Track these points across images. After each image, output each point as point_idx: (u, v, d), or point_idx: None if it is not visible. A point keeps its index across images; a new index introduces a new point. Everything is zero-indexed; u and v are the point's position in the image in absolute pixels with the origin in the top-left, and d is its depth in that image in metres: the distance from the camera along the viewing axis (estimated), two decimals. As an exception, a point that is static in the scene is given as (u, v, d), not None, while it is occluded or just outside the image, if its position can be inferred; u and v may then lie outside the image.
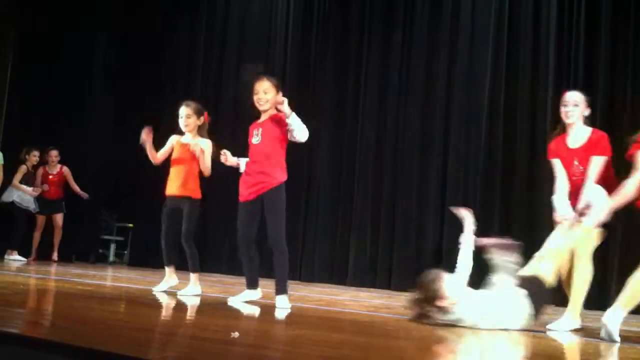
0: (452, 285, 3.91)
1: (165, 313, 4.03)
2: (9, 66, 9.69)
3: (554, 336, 3.97)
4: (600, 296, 5.82)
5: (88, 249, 9.78)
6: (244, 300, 4.54)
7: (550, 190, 7.18)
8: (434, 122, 8.07)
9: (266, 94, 4.48)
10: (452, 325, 3.84)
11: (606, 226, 4.21)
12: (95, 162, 9.94)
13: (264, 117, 4.56)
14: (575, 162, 4.45)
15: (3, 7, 9.73)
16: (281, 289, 4.40)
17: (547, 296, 4.04)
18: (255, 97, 4.51)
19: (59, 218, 9.11)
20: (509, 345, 3.51)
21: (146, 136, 5.05)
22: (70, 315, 3.41)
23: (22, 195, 8.82)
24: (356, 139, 8.54)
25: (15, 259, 8.53)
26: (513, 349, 3.44)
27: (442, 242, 7.78)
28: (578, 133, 4.51)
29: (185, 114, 5.06)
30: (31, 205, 8.88)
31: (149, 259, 8.68)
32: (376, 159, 8.37)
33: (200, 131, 5.08)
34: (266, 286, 4.71)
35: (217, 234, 8.99)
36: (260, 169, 4.46)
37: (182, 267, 5.12)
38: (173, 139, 5.18)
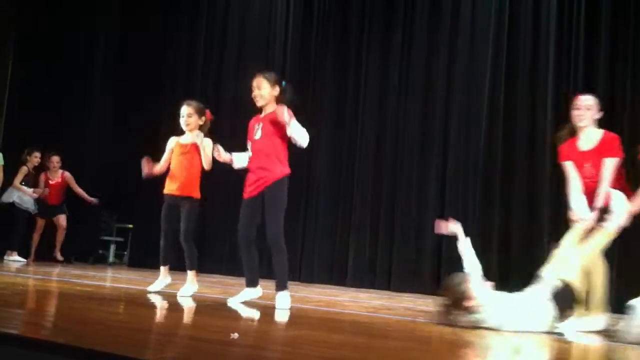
0: (478, 286, 3.94)
1: (165, 314, 4.03)
2: (9, 66, 9.69)
3: (576, 338, 3.98)
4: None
5: (88, 250, 9.77)
6: (245, 299, 4.53)
7: (549, 190, 7.25)
8: (434, 122, 8.07)
9: (260, 90, 4.53)
10: (477, 327, 3.84)
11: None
12: (95, 162, 9.94)
13: (264, 113, 4.59)
14: (587, 165, 4.49)
15: (3, 6, 9.72)
16: (281, 286, 4.40)
17: (572, 298, 4.07)
18: (252, 95, 4.57)
19: (62, 219, 9.09)
20: (518, 347, 3.51)
21: (147, 168, 5.03)
22: (69, 316, 3.41)
23: (22, 196, 8.81)
24: (356, 139, 8.53)
25: (15, 259, 8.52)
26: (524, 351, 3.44)
27: (441, 242, 7.77)
28: (589, 135, 4.54)
29: (187, 113, 5.05)
30: (31, 207, 8.87)
31: (148, 259, 8.64)
32: (376, 159, 8.37)
33: (201, 130, 5.07)
34: (266, 287, 4.70)
35: (217, 234, 8.98)
36: (260, 164, 4.49)
37: (179, 267, 5.11)
38: (172, 142, 5.16)
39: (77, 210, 9.31)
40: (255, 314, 4.11)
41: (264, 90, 4.53)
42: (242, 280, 4.64)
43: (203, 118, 5.08)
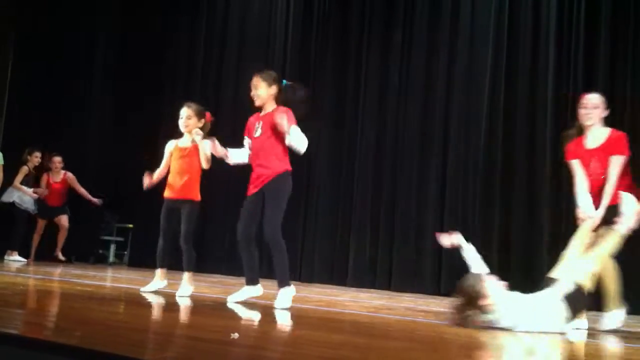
0: (493, 286, 3.95)
1: (165, 314, 4.03)
2: (9, 66, 9.69)
3: (588, 339, 3.99)
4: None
5: (88, 250, 9.77)
6: (244, 297, 4.53)
7: (549, 190, 7.25)
8: (434, 122, 8.07)
9: (257, 90, 4.56)
10: (490, 327, 3.85)
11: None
12: (95, 162, 9.94)
13: (264, 111, 4.60)
14: (594, 162, 4.52)
15: (3, 6, 9.72)
16: (281, 283, 4.39)
17: (585, 300, 4.10)
18: (251, 94, 4.60)
19: (64, 219, 9.08)
20: (526, 347, 3.51)
21: (148, 180, 5.02)
22: (69, 316, 3.41)
23: (22, 196, 8.80)
24: (356, 139, 8.53)
25: (15, 259, 8.52)
26: (528, 352, 3.44)
27: (442, 242, 7.78)
28: (597, 134, 4.58)
29: (186, 115, 5.04)
30: (30, 207, 8.85)
31: (148, 259, 8.62)
32: (376, 159, 8.37)
33: (200, 132, 5.04)
34: (266, 287, 4.70)
35: (216, 234, 8.98)
36: (260, 162, 4.51)
37: (178, 267, 5.10)
38: (170, 146, 5.13)
39: (78, 210, 9.30)
40: (255, 314, 4.10)
41: (260, 90, 4.55)
42: (243, 280, 4.64)
43: (202, 120, 5.05)
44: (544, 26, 7.56)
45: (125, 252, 10.24)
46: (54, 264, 8.53)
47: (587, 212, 4.43)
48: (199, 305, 4.46)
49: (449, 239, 4.38)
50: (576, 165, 4.61)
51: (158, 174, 5.10)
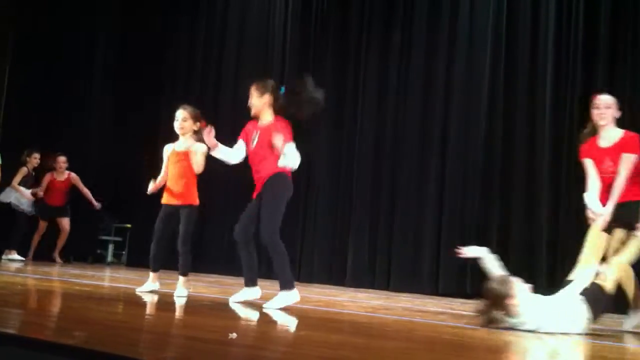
0: (519, 287, 3.99)
1: (163, 314, 4.03)
2: (8, 66, 9.68)
3: (610, 340, 4.02)
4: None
5: (86, 250, 9.76)
6: (243, 299, 4.52)
7: (548, 190, 7.26)
8: (433, 122, 8.08)
9: (251, 99, 4.57)
10: (515, 329, 3.88)
11: None
12: (95, 162, 9.93)
13: (261, 120, 4.59)
14: (607, 161, 4.57)
15: (3, 7, 9.72)
16: (282, 285, 4.37)
17: (606, 303, 4.15)
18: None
19: (65, 222, 9.05)
20: (524, 348, 3.51)
21: (153, 188, 4.99)
22: (68, 316, 3.41)
23: (20, 197, 8.76)
24: (355, 139, 8.54)
25: (13, 258, 8.51)
26: (536, 352, 3.45)
27: (440, 242, 7.79)
28: (610, 134, 4.63)
29: (182, 117, 5.00)
30: (27, 208, 8.81)
31: (146, 259, 8.62)
32: (375, 159, 8.37)
33: (194, 136, 5.03)
34: (265, 287, 4.70)
35: (215, 234, 8.98)
36: (257, 168, 4.52)
37: (173, 267, 5.09)
38: (167, 150, 5.09)
39: (77, 210, 9.29)
40: (254, 314, 4.11)
41: (254, 99, 4.55)
42: (241, 280, 4.63)
43: (198, 124, 5.02)
44: (543, 27, 7.57)
45: (123, 252, 10.23)
46: (52, 264, 8.53)
47: (596, 210, 4.46)
48: (197, 305, 4.46)
49: (472, 251, 4.40)
50: (589, 165, 4.65)
51: (160, 179, 5.06)
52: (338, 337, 3.36)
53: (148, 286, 4.96)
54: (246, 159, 4.63)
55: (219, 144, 4.58)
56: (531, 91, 7.55)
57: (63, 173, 9.12)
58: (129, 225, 9.99)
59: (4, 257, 8.51)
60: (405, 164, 8.15)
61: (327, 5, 9.00)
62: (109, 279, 6.92)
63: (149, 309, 4.17)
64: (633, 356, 3.72)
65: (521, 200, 7.44)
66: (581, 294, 4.05)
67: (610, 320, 4.83)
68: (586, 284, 4.10)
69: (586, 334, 3.97)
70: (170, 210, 4.94)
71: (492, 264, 4.23)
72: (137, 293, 4.87)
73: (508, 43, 7.74)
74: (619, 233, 4.46)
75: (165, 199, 4.99)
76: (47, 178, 9.05)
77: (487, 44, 7.82)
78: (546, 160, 7.35)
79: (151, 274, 4.98)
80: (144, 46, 10.14)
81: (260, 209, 4.42)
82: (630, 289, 4.52)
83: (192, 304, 4.44)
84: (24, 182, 8.84)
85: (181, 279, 4.87)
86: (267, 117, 4.56)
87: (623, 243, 4.36)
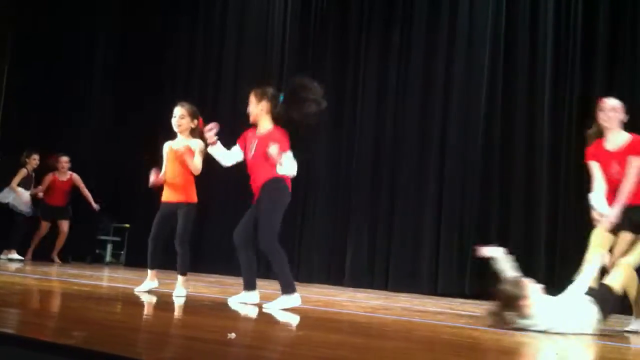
0: (532, 288, 4.01)
1: (162, 314, 4.03)
2: (7, 66, 9.68)
3: (620, 341, 4.03)
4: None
5: (85, 250, 9.76)
6: (242, 301, 4.52)
7: (547, 190, 7.26)
8: (432, 122, 8.09)
9: (249, 106, 4.57)
10: (527, 330, 3.90)
11: None
12: (94, 162, 9.92)
13: (259, 129, 4.58)
14: (614, 164, 4.61)
15: (3, 7, 9.72)
16: (284, 290, 4.36)
17: (614, 303, 4.19)
18: None
19: (64, 224, 9.04)
20: (523, 348, 3.52)
21: (155, 178, 4.98)
22: (67, 316, 3.41)
23: (17, 198, 8.73)
24: (354, 139, 8.54)
25: (13, 257, 8.50)
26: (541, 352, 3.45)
27: (439, 243, 7.79)
28: (617, 137, 4.67)
29: (179, 115, 4.99)
30: (26, 210, 8.80)
31: (145, 259, 8.63)
32: (374, 159, 8.38)
33: (192, 133, 5.02)
34: (263, 286, 4.71)
35: (215, 234, 8.97)
36: (254, 176, 4.52)
37: (172, 267, 5.09)
38: (165, 148, 5.08)
39: (77, 211, 9.29)
40: (253, 314, 4.11)
41: (251, 106, 4.56)
42: (241, 280, 4.63)
43: (195, 121, 5.02)
44: (542, 27, 7.58)
45: (122, 252, 10.23)
46: (50, 264, 8.53)
47: (602, 211, 4.49)
48: (196, 305, 4.46)
49: (489, 252, 4.41)
50: (594, 167, 4.69)
51: (161, 175, 5.06)
52: (337, 337, 3.36)
53: (146, 285, 4.95)
54: (245, 166, 4.62)
55: (218, 142, 4.58)
56: (530, 91, 7.56)
57: (65, 173, 9.11)
58: (127, 225, 9.99)
59: (2, 256, 8.50)
60: (405, 164, 8.16)
61: (326, 5, 9.01)
62: (107, 279, 6.92)
63: (147, 309, 4.17)
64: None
65: (520, 200, 7.44)
66: (590, 294, 4.09)
67: (617, 321, 4.83)
68: (590, 280, 4.15)
69: (596, 335, 3.99)
70: (168, 207, 4.93)
71: (507, 265, 4.26)
72: (135, 293, 4.87)
73: (507, 43, 7.74)
74: (626, 235, 4.47)
75: (164, 197, 4.99)
76: (48, 178, 9.04)
77: (487, 44, 7.83)
78: (545, 160, 7.36)
79: (149, 272, 4.97)
80: (144, 46, 10.14)
81: (258, 215, 4.42)
82: (632, 291, 4.53)
83: (192, 304, 4.45)
84: (23, 184, 8.82)
85: (180, 278, 4.86)
86: (265, 124, 4.55)
87: (630, 245, 4.38)
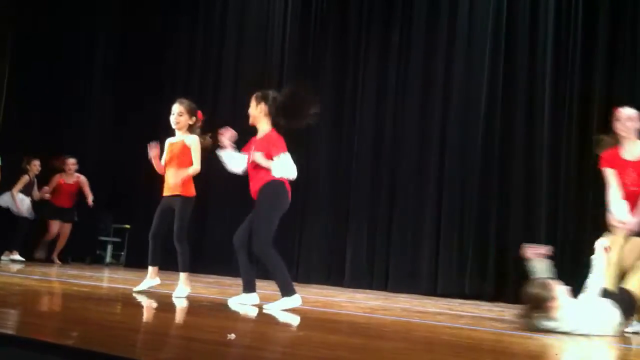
0: (560, 290, 4.04)
1: (162, 314, 4.04)
2: (8, 66, 9.68)
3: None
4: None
5: (85, 251, 9.76)
6: (241, 302, 4.52)
7: (547, 190, 7.27)
8: (432, 122, 8.08)
9: (250, 108, 4.60)
10: (554, 332, 3.92)
11: None
12: (94, 162, 9.92)
13: (258, 134, 4.63)
14: (631, 173, 4.65)
15: (3, 7, 9.71)
16: (282, 292, 4.37)
17: (633, 307, 4.22)
18: None
19: (67, 227, 9.04)
20: (523, 349, 3.52)
21: (154, 151, 5.00)
22: (66, 317, 3.42)
23: (18, 206, 8.70)
24: (354, 139, 8.54)
25: (15, 258, 8.50)
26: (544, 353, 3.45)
27: (439, 243, 7.79)
28: (633, 146, 4.71)
29: (178, 112, 5.01)
30: (24, 214, 8.79)
31: (145, 260, 8.61)
32: (374, 160, 8.37)
33: (190, 129, 5.04)
34: (262, 287, 4.71)
35: (215, 234, 8.97)
36: (252, 181, 4.54)
37: (172, 267, 5.09)
38: (166, 143, 5.12)
39: (77, 211, 9.29)
40: (252, 315, 4.11)
41: (250, 109, 4.61)
42: (240, 281, 4.63)
43: (194, 118, 5.04)
44: (542, 27, 7.58)
45: (122, 253, 10.23)
46: (50, 265, 8.53)
47: (622, 218, 4.53)
48: (195, 305, 4.46)
49: (536, 252, 4.43)
50: (610, 174, 4.72)
51: (160, 167, 5.10)
52: (336, 338, 3.37)
53: (146, 283, 4.95)
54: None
55: (229, 148, 4.60)
56: (530, 91, 7.55)
57: (72, 175, 9.10)
58: (127, 226, 9.99)
59: (4, 257, 8.50)
60: (404, 164, 8.15)
61: (326, 5, 9.01)
62: (107, 279, 6.92)
63: (147, 310, 4.18)
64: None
65: (520, 200, 7.44)
66: (612, 298, 4.13)
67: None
68: (601, 279, 4.20)
69: (618, 337, 4.01)
70: (166, 201, 4.97)
71: (542, 267, 4.28)
72: (134, 293, 4.87)
73: (507, 43, 7.74)
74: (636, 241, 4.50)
75: (164, 191, 5.03)
76: (55, 179, 9.03)
77: (486, 44, 7.82)
78: (545, 160, 7.36)
79: (149, 269, 4.97)
80: (144, 46, 10.14)
81: (253, 219, 4.44)
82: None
83: (191, 305, 4.45)
84: (25, 190, 8.81)
85: (182, 276, 4.87)
86: (263, 127, 4.59)
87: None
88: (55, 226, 8.98)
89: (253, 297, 4.51)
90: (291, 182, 4.59)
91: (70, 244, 9.19)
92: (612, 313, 4.06)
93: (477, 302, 7.05)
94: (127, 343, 2.59)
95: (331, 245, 8.43)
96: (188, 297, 4.79)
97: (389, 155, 8.28)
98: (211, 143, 5.00)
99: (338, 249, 8.36)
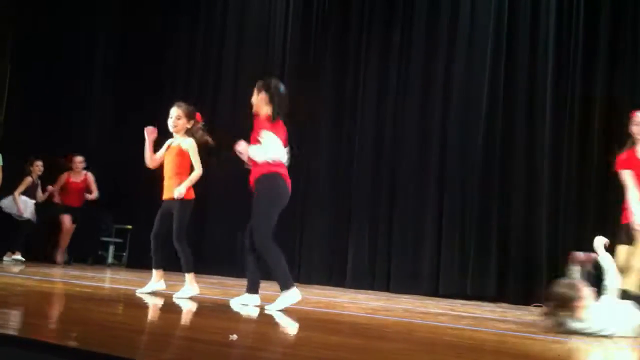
0: (587, 291, 4.05)
1: (163, 315, 4.03)
2: (8, 66, 9.67)
3: None
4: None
5: (87, 251, 9.75)
6: (241, 303, 4.51)
7: (548, 190, 7.26)
8: (433, 122, 8.08)
9: (252, 98, 4.60)
10: (580, 333, 3.92)
11: None
12: (95, 162, 9.91)
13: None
14: None
15: (3, 7, 9.71)
16: (282, 287, 4.36)
17: None
18: None
19: (72, 227, 9.07)
20: (523, 349, 3.52)
21: (151, 136, 5.00)
22: (68, 317, 3.42)
23: (20, 208, 8.69)
24: (355, 139, 8.53)
25: (16, 259, 8.49)
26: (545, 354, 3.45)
27: (440, 243, 7.79)
28: None
29: (175, 115, 5.02)
30: (27, 216, 8.77)
31: (147, 261, 8.61)
32: (375, 160, 8.37)
33: (188, 132, 5.03)
34: (264, 287, 4.71)
35: (215, 236, 8.97)
36: (251, 174, 4.53)
37: (175, 268, 5.08)
38: (166, 144, 5.12)
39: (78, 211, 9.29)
40: (254, 316, 4.11)
41: (253, 97, 4.61)
42: (241, 282, 4.63)
43: (192, 122, 5.03)
44: (544, 27, 7.57)
45: (124, 254, 10.22)
46: (52, 265, 8.52)
47: None
48: (198, 306, 4.46)
49: (586, 259, 4.45)
50: (628, 176, 4.74)
51: (155, 156, 5.08)
52: (337, 339, 3.36)
53: (150, 286, 4.94)
54: (246, 166, 4.64)
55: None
56: (531, 91, 7.55)
57: (80, 173, 9.09)
58: (129, 227, 9.99)
59: (6, 258, 8.49)
60: (405, 164, 8.15)
61: (327, 5, 9.00)
62: (109, 280, 6.92)
63: (149, 311, 4.17)
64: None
65: (521, 200, 7.44)
66: (634, 300, 4.15)
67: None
68: (616, 279, 4.22)
69: (638, 337, 4.02)
70: (166, 205, 4.97)
71: (583, 273, 4.30)
72: (137, 294, 4.86)
73: (508, 43, 7.74)
74: None
75: (163, 195, 5.03)
76: (62, 178, 9.02)
77: (488, 44, 7.82)
78: (546, 160, 7.35)
79: (154, 272, 4.96)
80: (144, 46, 10.14)
81: (252, 214, 4.43)
82: None
83: (193, 306, 4.44)
84: (28, 192, 8.79)
85: (187, 277, 4.86)
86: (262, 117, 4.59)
87: None
88: (67, 220, 8.95)
89: (255, 299, 4.50)
90: (292, 177, 4.57)
91: (72, 244, 9.19)
92: (634, 314, 4.07)
93: (479, 302, 7.04)
94: (129, 344, 2.58)
95: (332, 245, 8.42)
96: (190, 298, 4.79)
97: (390, 155, 8.27)
98: (207, 141, 5.00)
99: (339, 249, 8.35)
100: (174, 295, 4.81)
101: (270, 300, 4.41)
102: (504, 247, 7.43)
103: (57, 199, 9.01)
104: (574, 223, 7.10)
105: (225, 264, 8.71)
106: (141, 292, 4.91)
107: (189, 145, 4.95)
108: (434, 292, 7.64)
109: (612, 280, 4.23)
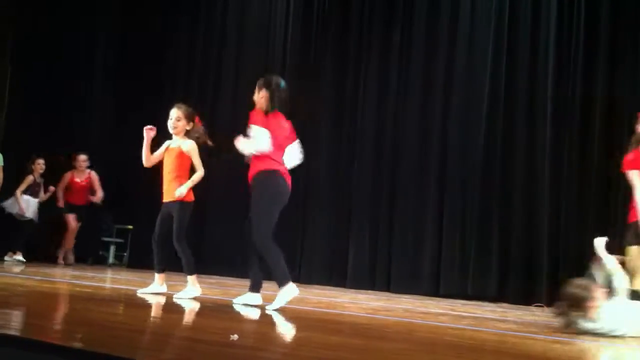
0: (600, 291, 4.07)
1: (164, 315, 4.03)
2: (8, 66, 9.67)
3: None
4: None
5: (88, 251, 9.75)
6: (243, 302, 4.52)
7: (549, 190, 7.26)
8: (433, 122, 8.08)
9: (254, 95, 4.61)
10: (593, 334, 3.93)
11: None
12: (95, 162, 9.90)
13: None
14: None
15: (3, 7, 9.70)
16: (280, 283, 4.36)
17: None
18: None
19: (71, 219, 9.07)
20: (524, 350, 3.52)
21: (149, 134, 5.00)
22: (69, 317, 3.42)
23: (21, 208, 8.68)
24: (355, 139, 8.53)
25: (17, 259, 8.49)
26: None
27: (441, 243, 7.78)
28: None
29: (175, 117, 5.01)
30: (29, 216, 8.77)
31: (148, 261, 8.61)
32: (375, 160, 8.37)
33: (187, 134, 5.03)
34: (265, 287, 4.71)
35: (215, 236, 8.96)
36: (249, 171, 4.53)
37: (177, 269, 5.08)
38: (165, 144, 5.12)
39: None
40: (255, 316, 4.11)
41: (255, 95, 4.62)
42: (241, 282, 4.63)
43: (191, 123, 5.03)
44: (544, 27, 7.57)
45: (125, 254, 10.22)
46: (53, 265, 8.52)
47: None
48: (198, 306, 4.46)
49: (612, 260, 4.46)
50: (636, 176, 4.75)
51: (152, 156, 5.07)
52: (337, 339, 3.36)
53: (152, 288, 4.93)
54: (246, 166, 4.65)
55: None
56: (532, 91, 7.55)
57: (83, 172, 9.09)
58: (130, 227, 9.99)
59: (7, 258, 8.49)
60: (406, 164, 8.15)
61: (327, 6, 9.00)
62: (110, 280, 6.92)
63: (149, 311, 4.17)
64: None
65: (522, 200, 7.44)
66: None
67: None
68: (623, 279, 4.24)
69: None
70: (166, 207, 4.97)
71: (604, 274, 4.33)
72: (138, 294, 4.86)
73: (509, 43, 7.74)
74: None
75: (163, 197, 5.02)
76: (66, 177, 9.02)
77: (488, 44, 7.82)
78: (547, 161, 7.36)
79: (156, 276, 4.96)
80: (144, 46, 10.13)
81: (250, 212, 4.44)
82: None
83: (193, 306, 4.44)
84: (30, 191, 8.79)
85: (189, 279, 4.86)
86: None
87: None
88: (72, 220, 8.94)
89: (257, 298, 4.51)
90: (293, 182, 4.56)
91: (74, 244, 9.19)
92: None
93: (480, 302, 7.04)
94: (130, 344, 2.58)
95: (333, 246, 8.42)
96: (191, 298, 4.79)
97: (390, 155, 8.27)
98: (206, 143, 5.01)
99: (340, 249, 8.35)
100: (174, 296, 4.81)
101: (272, 300, 4.41)
102: (505, 247, 7.43)
103: (60, 203, 8.99)
104: (575, 223, 7.11)
105: (225, 264, 8.70)
106: (142, 293, 4.91)
107: (190, 147, 4.94)
108: (435, 292, 7.64)
109: (620, 281, 4.24)
